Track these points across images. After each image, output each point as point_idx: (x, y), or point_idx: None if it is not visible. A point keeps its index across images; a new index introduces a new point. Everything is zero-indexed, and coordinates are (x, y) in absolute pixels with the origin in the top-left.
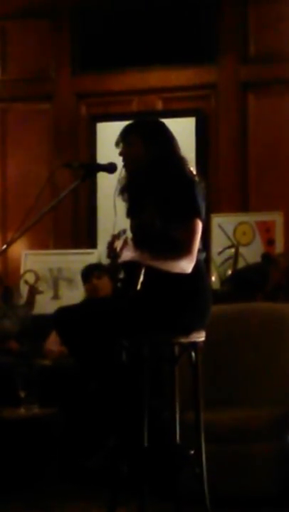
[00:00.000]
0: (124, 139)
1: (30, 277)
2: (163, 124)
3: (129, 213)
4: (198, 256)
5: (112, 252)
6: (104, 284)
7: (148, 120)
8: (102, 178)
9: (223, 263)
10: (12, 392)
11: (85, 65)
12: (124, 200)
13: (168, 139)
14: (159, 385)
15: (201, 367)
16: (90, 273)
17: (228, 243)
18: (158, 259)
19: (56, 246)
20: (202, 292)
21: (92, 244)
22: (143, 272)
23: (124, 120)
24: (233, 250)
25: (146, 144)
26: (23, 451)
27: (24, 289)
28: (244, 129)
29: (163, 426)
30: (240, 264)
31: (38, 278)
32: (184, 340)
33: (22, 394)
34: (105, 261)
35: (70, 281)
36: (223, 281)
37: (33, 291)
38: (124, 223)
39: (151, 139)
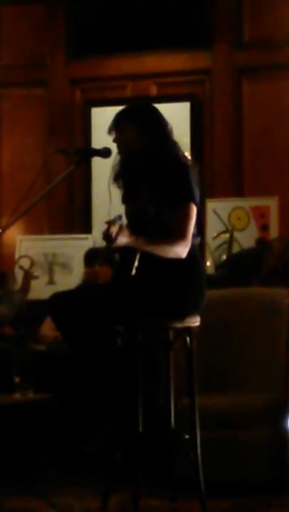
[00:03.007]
0: (117, 125)
1: (25, 263)
2: (155, 109)
3: (124, 200)
4: (193, 241)
5: (108, 238)
6: (105, 273)
7: (140, 105)
8: (97, 163)
9: (217, 248)
10: (7, 377)
11: (79, 51)
12: (118, 187)
13: (160, 124)
14: (153, 370)
15: (195, 352)
16: (94, 257)
17: (223, 228)
18: (153, 245)
19: (51, 231)
20: (197, 277)
21: (87, 229)
22: (138, 257)
23: (119, 105)
24: (227, 235)
25: (139, 130)
26: (18, 437)
27: (19, 275)
28: (239, 114)
29: (158, 411)
30: (235, 249)
31: (33, 263)
32: (178, 325)
33: (17, 379)
34: (100, 245)
35: (65, 266)
36: (218, 266)
37: (28, 276)
38: (119, 208)
39: (144, 124)
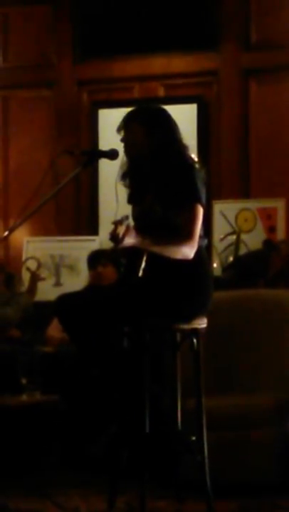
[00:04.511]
0: (127, 125)
1: (32, 264)
2: (165, 111)
3: (131, 200)
4: (199, 242)
5: (115, 238)
6: (109, 273)
7: (150, 107)
8: (104, 164)
9: (224, 250)
10: (14, 379)
11: (86, 52)
12: (125, 185)
13: (170, 126)
14: (160, 371)
15: (202, 353)
16: (96, 260)
17: (230, 230)
18: (160, 246)
19: (58, 233)
20: (204, 279)
21: (94, 231)
22: (145, 258)
23: (126, 107)
24: (234, 237)
25: (149, 132)
26: (24, 438)
27: (26, 276)
28: (246, 115)
29: (164, 413)
30: (242, 250)
31: (39, 265)
32: (185, 326)
33: (24, 381)
34: (107, 247)
35: (71, 268)
36: (225, 267)
37: (35, 278)
38: (126, 209)
39: (154, 126)
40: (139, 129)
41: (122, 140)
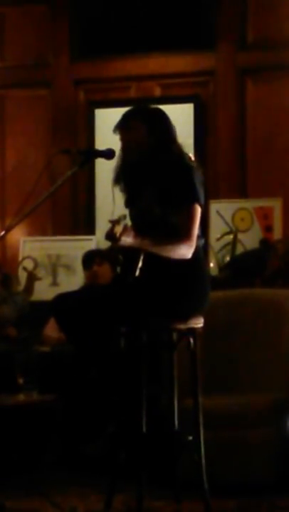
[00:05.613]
0: (126, 124)
1: (28, 264)
2: (163, 111)
3: (128, 204)
4: (197, 242)
5: (112, 238)
6: (105, 272)
7: (148, 107)
8: (101, 164)
9: (221, 249)
10: (11, 378)
11: (83, 52)
12: (120, 190)
13: (169, 126)
14: (157, 371)
15: (199, 353)
16: (91, 259)
17: (227, 229)
18: (158, 246)
19: (55, 232)
20: (200, 278)
21: (91, 230)
22: (142, 258)
23: (123, 106)
24: (231, 236)
25: (149, 129)
26: (22, 438)
27: (23, 276)
28: (242, 115)
29: (161, 412)
30: (239, 250)
31: (36, 264)
32: (182, 326)
33: (21, 380)
34: (104, 246)
35: (68, 267)
36: (222, 267)
37: (32, 277)
38: (123, 209)
39: (155, 125)
40: (140, 126)
41: (122, 139)
